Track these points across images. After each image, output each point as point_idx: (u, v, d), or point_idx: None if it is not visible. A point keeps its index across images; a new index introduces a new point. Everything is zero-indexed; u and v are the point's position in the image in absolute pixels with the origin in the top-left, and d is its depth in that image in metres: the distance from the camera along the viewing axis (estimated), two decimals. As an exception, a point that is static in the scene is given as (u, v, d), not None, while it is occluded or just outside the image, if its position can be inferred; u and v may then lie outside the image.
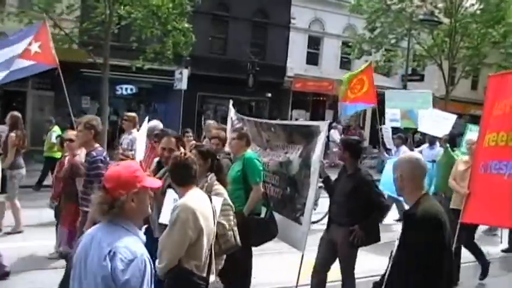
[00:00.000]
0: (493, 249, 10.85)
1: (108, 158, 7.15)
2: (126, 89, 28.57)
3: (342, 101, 15.66)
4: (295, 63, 32.63)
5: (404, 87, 27.70)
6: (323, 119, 30.99)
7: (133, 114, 11.39)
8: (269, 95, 31.48)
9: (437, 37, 29.19)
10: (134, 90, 28.92)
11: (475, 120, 37.54)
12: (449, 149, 10.36)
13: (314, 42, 33.91)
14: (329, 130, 26.34)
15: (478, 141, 7.63)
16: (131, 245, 3.13)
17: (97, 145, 7.12)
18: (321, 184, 7.69)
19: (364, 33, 29.76)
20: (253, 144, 8.42)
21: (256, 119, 9.19)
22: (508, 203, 6.68)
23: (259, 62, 29.33)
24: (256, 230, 7.11)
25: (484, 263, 9.02)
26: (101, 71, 21.15)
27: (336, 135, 26.38)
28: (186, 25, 21.89)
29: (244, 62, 29.00)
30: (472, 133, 9.16)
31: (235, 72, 28.53)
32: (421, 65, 31.20)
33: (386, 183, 11.05)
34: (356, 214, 6.73)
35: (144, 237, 3.32)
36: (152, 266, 3.21)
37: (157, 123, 9.86)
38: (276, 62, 31.84)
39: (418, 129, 13.52)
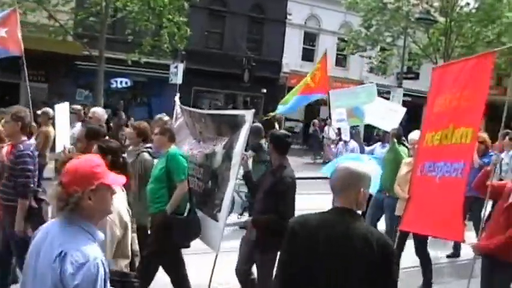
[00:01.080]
0: (442, 254, 10.49)
1: (36, 153, 6.75)
2: (121, 82, 28.48)
3: (298, 94, 15.51)
4: (291, 59, 32.63)
5: (400, 85, 27.70)
6: (318, 115, 31.09)
7: (78, 107, 11.26)
8: (264, 90, 31.44)
9: (433, 36, 29.21)
10: (129, 84, 28.84)
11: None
12: (396, 144, 9.48)
13: (310, 39, 33.93)
14: (324, 126, 26.40)
15: (419, 141, 7.24)
16: (84, 247, 2.85)
17: (24, 138, 6.63)
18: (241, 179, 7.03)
19: (360, 30, 29.79)
20: (190, 137, 8.09)
21: (191, 109, 8.48)
22: (439, 209, 6.29)
23: (255, 58, 29.33)
24: (179, 229, 6.64)
25: (426, 275, 8.42)
26: (96, 64, 21.09)
27: (331, 132, 26.36)
28: (181, 18, 21.86)
29: (240, 57, 28.99)
30: (416, 132, 8.34)
31: (230, 67, 28.51)
32: (417, 63, 31.24)
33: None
34: (272, 213, 6.08)
35: (103, 238, 3.12)
36: (107, 270, 2.90)
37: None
38: (271, 57, 31.85)
39: (365, 122, 12.74)
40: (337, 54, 33.78)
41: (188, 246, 6.85)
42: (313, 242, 3.28)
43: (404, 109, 11.86)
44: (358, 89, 14.49)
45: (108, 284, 2.92)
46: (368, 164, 9.65)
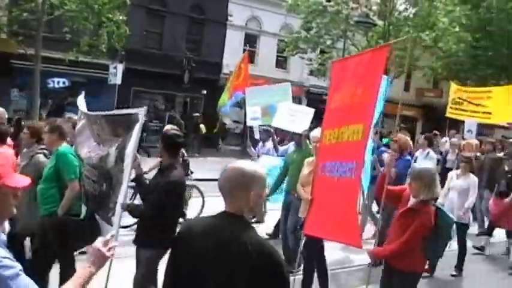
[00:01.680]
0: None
1: None
2: (59, 82, 27.77)
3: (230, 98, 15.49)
4: (232, 60, 32.43)
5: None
6: (258, 116, 31.07)
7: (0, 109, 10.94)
8: (204, 91, 31.27)
9: (372, 39, 29.69)
10: (67, 84, 28.14)
11: (405, 120, 38.45)
12: (309, 146, 9.18)
13: (250, 40, 33.92)
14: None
15: (320, 139, 6.94)
16: None
17: None
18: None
19: (300, 32, 30.01)
20: (90, 139, 7.57)
21: (87, 112, 7.88)
22: (337, 213, 6.05)
23: (195, 58, 29.15)
24: (74, 231, 6.38)
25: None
26: (33, 63, 20.51)
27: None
28: (121, 17, 21.51)
29: (180, 57, 28.76)
30: (318, 129, 7.93)
31: (170, 68, 28.25)
32: (356, 65, 31.67)
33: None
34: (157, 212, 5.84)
35: (4, 238, 2.88)
36: (9, 273, 2.57)
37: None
38: (212, 58, 31.71)
39: (272, 125, 12.23)
40: (278, 56, 33.92)
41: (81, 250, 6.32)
42: (200, 249, 3.07)
43: (313, 110, 11.55)
44: (275, 88, 14.31)
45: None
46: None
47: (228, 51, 32.54)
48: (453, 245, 8.22)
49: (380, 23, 28.79)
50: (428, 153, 12.85)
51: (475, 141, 13.96)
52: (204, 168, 16.87)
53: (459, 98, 17.19)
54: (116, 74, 23.25)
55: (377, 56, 6.25)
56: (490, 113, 16.05)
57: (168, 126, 7.95)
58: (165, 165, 6.26)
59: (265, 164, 10.24)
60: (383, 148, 11.69)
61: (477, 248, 11.16)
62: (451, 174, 9.94)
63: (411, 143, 10.84)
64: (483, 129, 34.03)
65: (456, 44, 32.20)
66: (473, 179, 9.61)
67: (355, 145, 6.00)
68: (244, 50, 32.54)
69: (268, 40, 33.77)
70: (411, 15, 29.73)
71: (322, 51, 31.14)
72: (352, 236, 5.98)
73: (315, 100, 34.63)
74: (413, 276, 5.82)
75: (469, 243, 10.43)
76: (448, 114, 17.81)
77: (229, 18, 32.54)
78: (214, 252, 3.02)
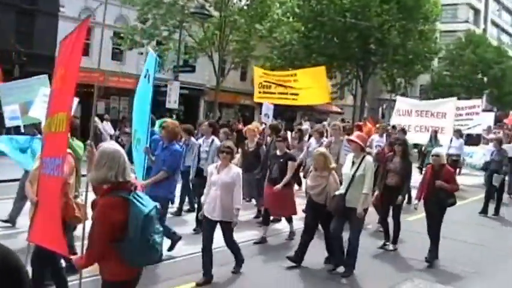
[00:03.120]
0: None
1: None
2: None
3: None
4: (65, 53, 31.34)
5: (176, 78, 27.89)
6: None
7: None
8: (38, 86, 29.82)
9: (208, 30, 29.91)
10: None
11: (244, 109, 39.18)
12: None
13: (85, 32, 32.78)
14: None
15: (44, 129, 6.05)
16: None
17: None
18: None
19: (136, 25, 29.51)
20: None
21: None
22: (45, 216, 5.29)
23: (25, 52, 27.70)
24: None
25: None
26: None
27: (107, 126, 25.73)
28: None
29: (9, 51, 27.15)
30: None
31: (-1, 62, 26.62)
32: (193, 57, 31.77)
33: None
34: None
35: None
36: None
37: None
38: (44, 51, 30.24)
39: (29, 115, 10.89)
40: (113, 49, 33.06)
41: None
42: None
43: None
44: (31, 81, 13.03)
45: None
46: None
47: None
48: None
49: (216, 14, 29.04)
50: (213, 140, 11.64)
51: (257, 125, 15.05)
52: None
53: (265, 81, 16.70)
54: None
55: (79, 32, 5.47)
56: (297, 94, 15.93)
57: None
58: None
59: None
60: (156, 136, 10.50)
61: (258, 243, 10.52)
62: (211, 169, 8.37)
63: (180, 130, 10.48)
64: (321, 115, 35.74)
65: (290, 34, 33.33)
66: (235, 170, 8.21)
67: (59, 137, 5.26)
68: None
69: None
70: (245, 7, 30.31)
71: (159, 43, 30.83)
72: (58, 241, 5.19)
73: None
74: (113, 285, 4.67)
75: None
76: (255, 99, 17.34)
77: (61, 9, 31.18)
78: None
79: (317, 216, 9.10)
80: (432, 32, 43.66)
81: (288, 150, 11.03)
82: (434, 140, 18.58)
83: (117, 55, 33.29)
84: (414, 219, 12.20)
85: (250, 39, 30.97)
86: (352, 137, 9.42)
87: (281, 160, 10.51)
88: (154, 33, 29.35)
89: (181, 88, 27.49)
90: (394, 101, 50.12)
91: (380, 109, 50.89)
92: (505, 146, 16.63)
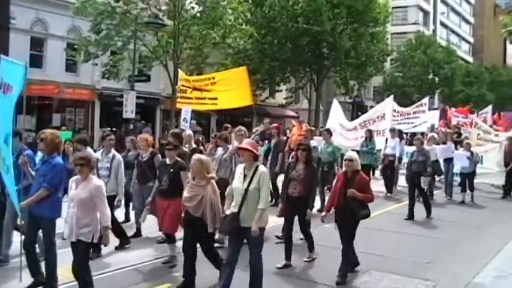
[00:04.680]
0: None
1: None
2: None
3: None
4: (18, 65, 30.98)
5: (132, 88, 27.86)
6: (50, 122, 30.01)
7: None
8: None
9: (162, 39, 30.02)
10: None
11: (200, 116, 39.28)
12: None
13: (37, 44, 32.41)
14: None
15: None
16: None
17: None
18: None
19: (89, 36, 29.42)
20: None
21: None
22: None
23: (-23, 65, 27.30)
24: None
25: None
26: None
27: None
28: None
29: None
30: None
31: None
32: (148, 66, 31.81)
33: None
34: None
35: None
36: None
37: None
38: (-4, 64, 29.95)
39: None
40: (67, 60, 32.81)
41: None
42: None
43: None
44: None
45: None
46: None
47: (13, 56, 30.72)
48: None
49: (170, 22, 29.18)
50: (114, 156, 10.49)
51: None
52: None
53: (183, 86, 16.07)
54: None
55: None
56: (216, 99, 15.25)
57: None
58: None
59: None
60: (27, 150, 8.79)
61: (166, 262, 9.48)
62: (70, 183, 7.46)
63: (62, 141, 8.72)
64: (277, 120, 35.86)
65: (243, 39, 33.67)
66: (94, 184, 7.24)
67: None
68: (31, 55, 31.03)
69: (55, 43, 32.54)
70: (198, 14, 30.51)
71: (113, 53, 30.79)
72: None
73: (109, 103, 34.27)
74: None
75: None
76: (177, 105, 16.58)
77: (12, 21, 30.84)
78: None
79: (196, 232, 7.96)
80: (383, 34, 44.55)
81: (178, 159, 9.45)
82: (369, 140, 18.12)
83: (71, 66, 33.08)
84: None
85: (203, 46, 31.18)
86: (244, 145, 7.80)
87: (171, 170, 9.21)
88: (109, 44, 29.31)
89: (137, 98, 27.46)
90: (348, 103, 50.77)
91: (335, 112, 51.53)
92: (437, 149, 17.01)
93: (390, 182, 18.34)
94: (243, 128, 12.56)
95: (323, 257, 9.82)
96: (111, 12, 28.31)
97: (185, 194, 7.98)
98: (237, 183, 7.53)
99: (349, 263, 8.80)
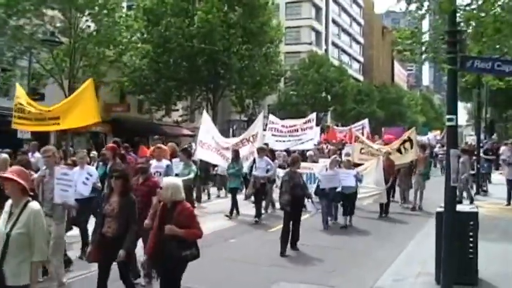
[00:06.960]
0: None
1: None
2: None
3: None
4: None
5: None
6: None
7: None
8: None
9: (57, 57, 29.55)
10: None
11: (95, 136, 38.57)
12: None
13: None
14: None
15: None
16: None
17: None
18: None
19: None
20: None
21: None
22: None
23: None
24: None
25: None
26: None
27: None
28: None
29: None
30: None
31: None
32: (42, 84, 31.13)
33: None
34: None
35: None
36: None
37: None
38: None
39: None
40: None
41: None
42: None
43: None
44: None
45: None
46: None
47: None
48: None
49: (65, 40, 28.72)
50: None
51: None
52: None
53: (20, 104, 13.80)
54: None
55: None
56: (58, 118, 13.26)
57: None
58: None
59: None
60: None
61: None
62: None
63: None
64: (173, 139, 36.00)
65: (140, 59, 33.75)
66: None
67: None
68: None
69: None
70: (94, 33, 30.36)
71: (3, 69, 29.85)
72: None
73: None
74: None
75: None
76: (13, 125, 14.51)
77: None
78: None
79: None
80: (277, 54, 45.63)
81: None
82: (235, 162, 17.24)
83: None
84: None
85: (100, 64, 31.00)
86: (7, 173, 5.79)
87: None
88: (1, 60, 28.39)
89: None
90: (244, 121, 51.23)
91: (230, 130, 52.14)
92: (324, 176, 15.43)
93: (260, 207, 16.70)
94: (51, 147, 10.81)
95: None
96: (2, 26, 27.24)
97: None
98: (0, 225, 5.57)
99: None
